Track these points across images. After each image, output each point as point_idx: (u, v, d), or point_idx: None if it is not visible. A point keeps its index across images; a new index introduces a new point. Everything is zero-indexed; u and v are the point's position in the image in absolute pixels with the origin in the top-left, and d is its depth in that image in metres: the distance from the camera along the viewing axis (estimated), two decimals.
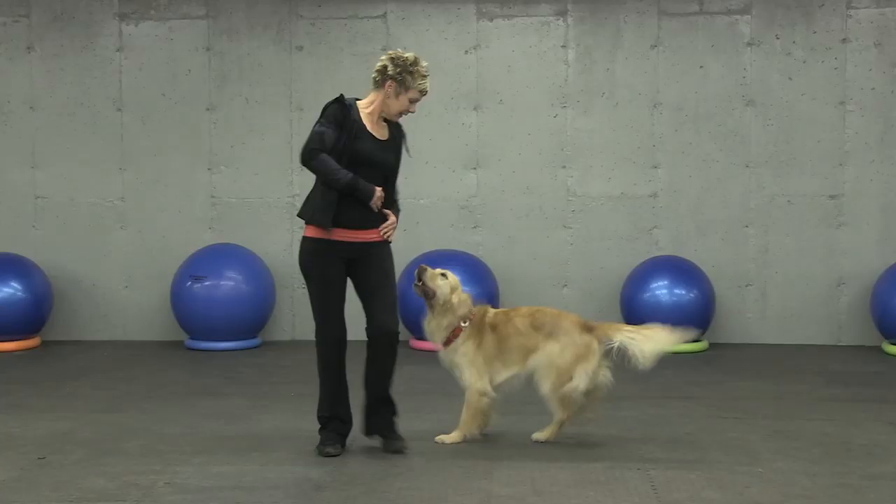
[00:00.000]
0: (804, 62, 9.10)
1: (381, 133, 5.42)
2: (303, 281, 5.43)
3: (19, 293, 8.78)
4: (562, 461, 5.34)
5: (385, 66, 5.33)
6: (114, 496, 4.78)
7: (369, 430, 5.58)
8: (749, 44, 9.15)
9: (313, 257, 5.37)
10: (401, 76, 5.30)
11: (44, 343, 9.18)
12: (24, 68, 9.44)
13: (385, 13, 9.32)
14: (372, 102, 5.40)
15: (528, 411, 6.49)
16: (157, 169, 9.44)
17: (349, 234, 5.34)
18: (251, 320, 8.88)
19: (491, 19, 9.30)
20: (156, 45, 9.40)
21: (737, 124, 9.17)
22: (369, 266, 5.42)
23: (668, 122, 9.22)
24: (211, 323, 8.71)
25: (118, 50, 9.42)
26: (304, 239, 5.41)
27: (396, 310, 5.50)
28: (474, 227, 9.35)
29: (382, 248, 5.48)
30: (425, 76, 5.36)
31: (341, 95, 5.40)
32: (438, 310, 5.65)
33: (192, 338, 8.93)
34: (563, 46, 9.27)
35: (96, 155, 9.45)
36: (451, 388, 6.03)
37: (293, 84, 9.37)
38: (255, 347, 8.97)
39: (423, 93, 5.38)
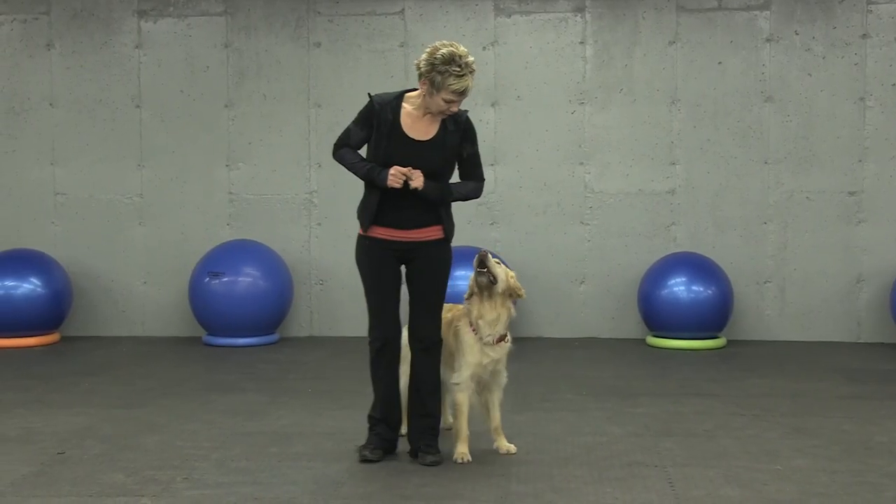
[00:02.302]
0: (824, 58, 9.05)
1: (422, 132, 5.15)
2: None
3: (39, 289, 8.83)
4: (579, 458, 5.33)
5: (419, 63, 5.03)
6: (132, 491, 4.80)
7: (409, 437, 5.42)
8: (768, 39, 9.11)
9: (363, 254, 5.27)
10: (430, 75, 4.97)
11: (63, 339, 9.23)
12: (44, 65, 9.50)
13: (403, 9, 9.32)
14: (419, 96, 5.13)
15: (544, 408, 6.50)
16: (176, 165, 9.48)
17: (396, 234, 5.19)
18: (269, 316, 8.89)
19: (509, 15, 9.29)
20: (174, 42, 9.43)
21: (755, 120, 9.13)
22: (420, 268, 5.24)
23: (686, 119, 9.19)
24: (229, 319, 8.73)
25: (137, 47, 9.46)
26: (358, 236, 5.32)
27: (437, 316, 5.29)
28: (492, 224, 9.34)
29: (437, 249, 5.25)
30: (461, 76, 4.94)
31: (370, 95, 5.22)
32: (499, 300, 5.25)
33: (210, 334, 8.96)
34: (580, 43, 9.25)
35: (115, 151, 9.50)
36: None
37: (311, 80, 9.38)
38: (272, 343, 9.00)
39: (458, 93, 4.98)
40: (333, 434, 5.82)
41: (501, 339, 5.30)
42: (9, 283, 8.77)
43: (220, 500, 4.67)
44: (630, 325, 9.24)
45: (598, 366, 8.01)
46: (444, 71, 4.94)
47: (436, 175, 5.16)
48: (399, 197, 5.12)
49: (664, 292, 8.62)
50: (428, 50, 5.03)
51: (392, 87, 9.11)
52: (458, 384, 5.26)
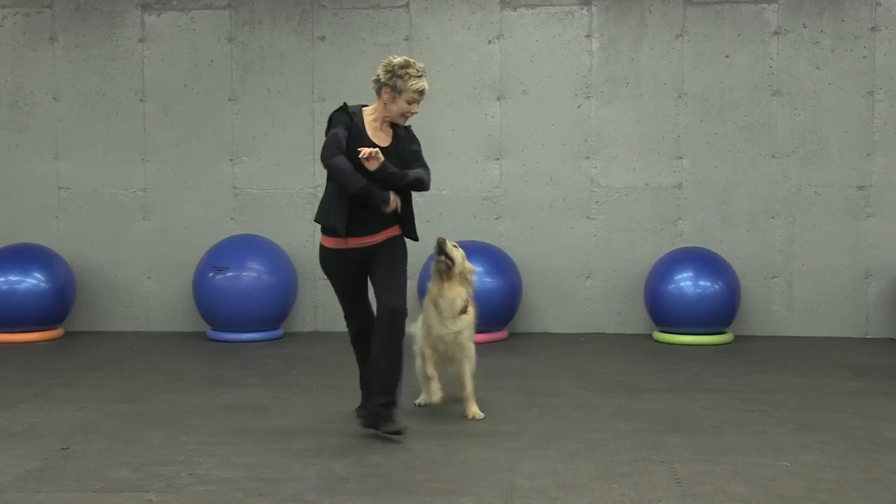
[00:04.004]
0: (832, 51, 9.00)
1: (384, 139, 5.61)
2: (324, 273, 5.75)
3: (43, 284, 8.81)
4: (585, 454, 5.30)
5: (378, 76, 5.53)
6: (136, 487, 4.78)
7: (367, 409, 5.67)
8: (776, 33, 9.05)
9: (333, 264, 5.72)
10: (392, 81, 5.48)
11: (67, 333, 9.22)
12: (47, 59, 9.47)
13: (408, 3, 9.28)
14: (375, 110, 5.63)
15: (550, 404, 6.47)
16: (180, 160, 9.45)
17: (362, 241, 5.61)
18: (273, 311, 8.87)
19: (514, 9, 9.24)
20: (178, 35, 9.40)
21: (763, 114, 9.08)
22: (381, 255, 5.64)
23: (693, 113, 9.14)
24: (233, 314, 8.71)
25: (140, 40, 9.42)
26: (321, 247, 5.71)
27: (403, 291, 5.59)
28: (497, 218, 9.31)
29: (394, 241, 5.69)
30: (418, 76, 5.49)
31: (344, 103, 5.66)
32: (456, 279, 5.96)
33: (214, 329, 8.94)
34: (587, 36, 9.20)
35: (119, 145, 9.47)
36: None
37: (315, 74, 9.35)
38: (277, 339, 8.98)
39: (418, 93, 5.51)
40: (338, 429, 5.80)
41: (462, 311, 5.95)
42: (12, 277, 8.75)
43: (225, 495, 4.65)
44: (636, 320, 9.21)
45: (604, 361, 7.98)
46: (403, 74, 5.48)
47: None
48: (363, 207, 5.49)
49: (671, 287, 8.58)
50: (382, 64, 5.55)
51: None
52: (419, 349, 6.13)
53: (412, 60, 5.55)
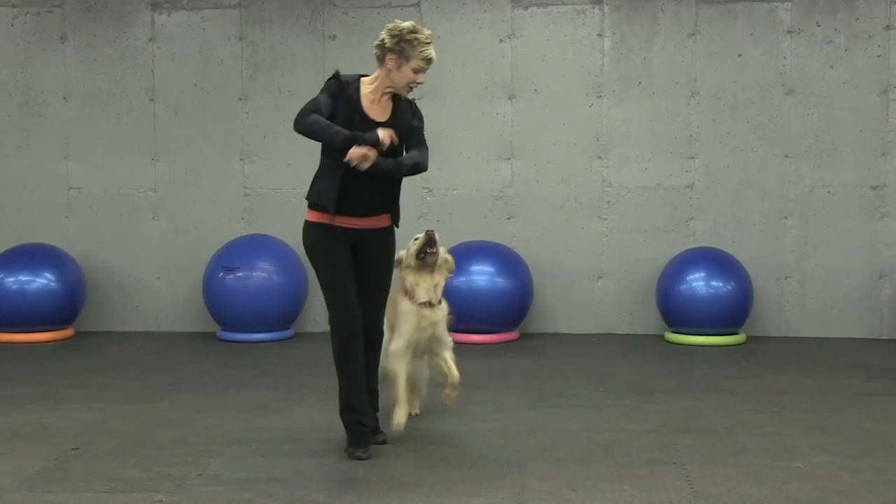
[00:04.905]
0: (846, 50, 8.93)
1: (380, 113, 5.22)
2: (309, 255, 5.39)
3: (53, 284, 8.81)
4: (596, 455, 5.27)
5: (383, 40, 5.14)
6: (146, 487, 4.76)
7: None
8: (789, 31, 9.00)
9: (321, 243, 5.28)
10: (399, 46, 5.10)
11: (77, 334, 9.22)
12: (58, 58, 9.47)
13: (419, 2, 9.25)
14: (376, 79, 5.22)
15: (561, 405, 6.44)
16: (190, 159, 9.44)
17: (352, 221, 5.26)
18: (283, 311, 8.85)
19: (526, 8, 9.21)
20: (188, 34, 9.39)
21: (776, 114, 9.02)
22: (370, 260, 5.33)
23: (705, 112, 9.09)
24: (243, 314, 8.69)
25: (150, 40, 9.42)
26: (308, 223, 5.35)
27: (382, 306, 5.48)
28: (508, 218, 9.27)
29: (385, 239, 5.37)
30: (427, 43, 5.12)
31: (337, 71, 5.28)
32: (436, 269, 5.51)
33: (224, 329, 8.93)
34: (598, 35, 9.16)
35: (129, 145, 9.47)
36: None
37: (326, 73, 9.23)
38: (287, 339, 8.96)
39: (427, 60, 5.13)
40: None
41: (438, 302, 5.52)
42: (22, 277, 8.75)
43: (235, 496, 4.63)
44: (648, 320, 9.16)
45: (616, 362, 7.94)
46: (412, 40, 5.10)
47: (394, 153, 5.23)
48: (357, 183, 5.15)
49: (683, 287, 8.53)
50: (387, 27, 5.16)
51: None
52: (394, 352, 5.46)
53: (420, 26, 5.18)
